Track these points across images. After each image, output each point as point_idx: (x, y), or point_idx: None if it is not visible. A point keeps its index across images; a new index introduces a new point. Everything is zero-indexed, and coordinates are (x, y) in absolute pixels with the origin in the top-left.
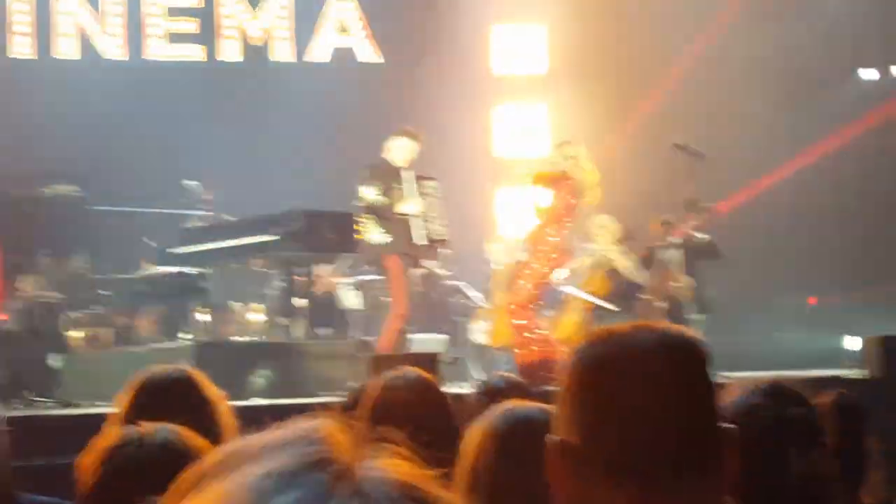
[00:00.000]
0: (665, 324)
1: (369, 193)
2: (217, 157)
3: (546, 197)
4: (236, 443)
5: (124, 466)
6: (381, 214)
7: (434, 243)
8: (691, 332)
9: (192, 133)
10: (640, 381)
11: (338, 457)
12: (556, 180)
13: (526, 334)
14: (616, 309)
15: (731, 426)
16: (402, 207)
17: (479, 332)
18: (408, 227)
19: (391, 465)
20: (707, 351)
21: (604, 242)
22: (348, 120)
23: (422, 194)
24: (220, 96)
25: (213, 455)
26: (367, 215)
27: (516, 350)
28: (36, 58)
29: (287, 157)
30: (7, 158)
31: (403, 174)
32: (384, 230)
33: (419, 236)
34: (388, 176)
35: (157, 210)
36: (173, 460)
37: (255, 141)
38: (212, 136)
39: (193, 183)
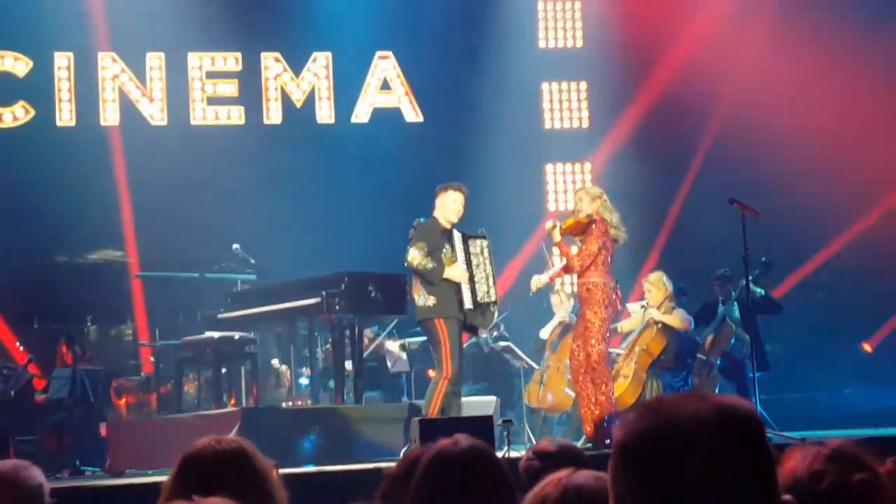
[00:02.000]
0: (718, 394)
1: (417, 257)
2: (263, 220)
3: (583, 244)
4: None
5: None
6: (429, 278)
7: (483, 306)
8: (745, 401)
9: (238, 196)
10: (693, 457)
11: None
12: (587, 225)
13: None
14: (673, 367)
15: (789, 498)
16: (448, 273)
17: (531, 392)
18: (457, 289)
19: None
20: (762, 421)
21: (656, 299)
22: (395, 180)
23: (472, 254)
24: (265, 159)
25: None
26: (416, 277)
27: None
28: (75, 124)
29: (333, 220)
30: (53, 224)
31: (454, 234)
32: (432, 293)
33: (468, 300)
34: (436, 237)
35: (204, 274)
36: None
37: (301, 204)
38: (257, 198)
39: (239, 247)
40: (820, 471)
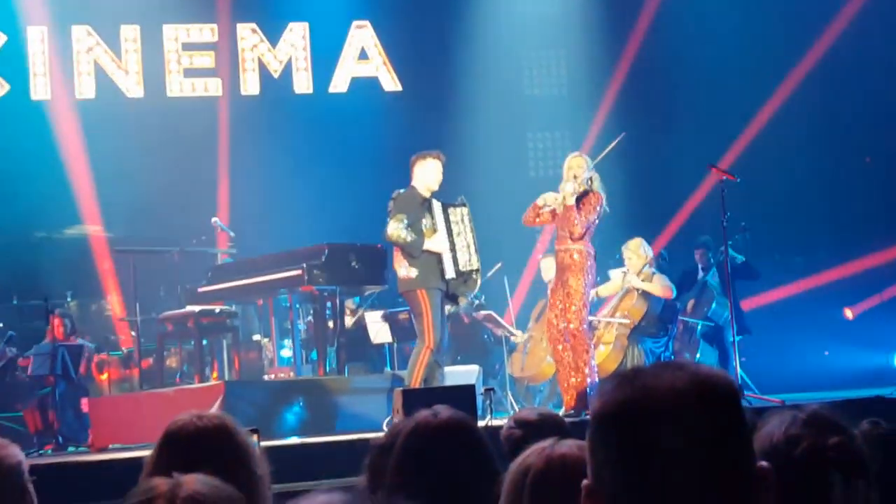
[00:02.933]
0: (694, 364)
1: (397, 230)
2: (242, 193)
3: (581, 212)
4: None
5: None
6: (410, 251)
7: (465, 274)
8: (721, 371)
9: (217, 169)
10: (668, 425)
11: None
12: (582, 197)
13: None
14: (654, 333)
15: (765, 464)
16: (429, 244)
17: (514, 362)
18: (438, 260)
19: None
20: (738, 390)
21: (635, 266)
22: (372, 151)
23: (452, 223)
24: (243, 131)
25: None
26: (397, 250)
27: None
28: (50, 98)
29: (312, 191)
30: (31, 200)
31: (433, 204)
32: (414, 265)
33: (450, 269)
34: (415, 208)
35: (184, 248)
36: None
37: (280, 175)
38: (235, 171)
39: (218, 220)
40: (796, 435)
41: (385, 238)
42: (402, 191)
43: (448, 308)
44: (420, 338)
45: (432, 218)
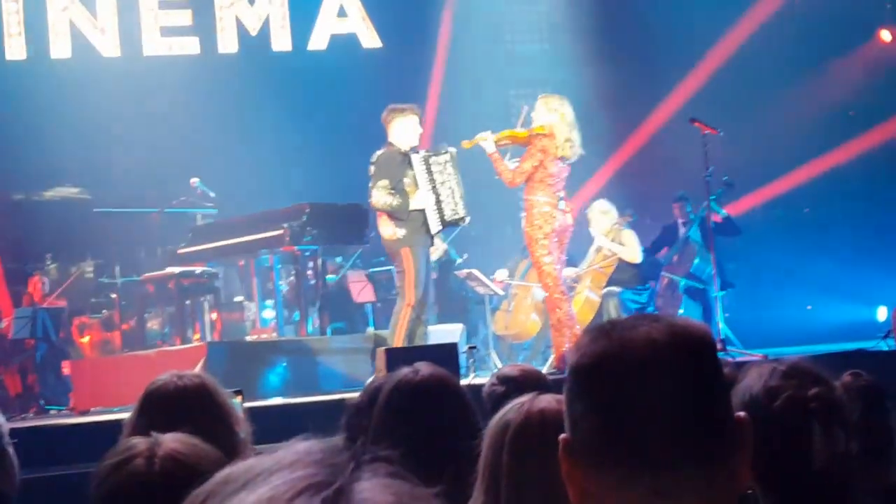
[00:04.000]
0: (670, 316)
1: (381, 197)
2: (222, 153)
3: (528, 157)
4: (230, 469)
5: (132, 481)
6: (398, 215)
7: (451, 223)
8: (697, 322)
9: (195, 129)
10: (644, 377)
11: (331, 480)
12: (527, 138)
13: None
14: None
15: (744, 415)
16: (414, 204)
17: (498, 320)
18: (423, 216)
19: (386, 485)
20: (715, 341)
21: (603, 228)
22: (353, 109)
23: (435, 172)
24: (221, 90)
25: (207, 484)
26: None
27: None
28: (25, 58)
29: (292, 150)
30: (7, 161)
31: (413, 159)
32: (401, 225)
33: (435, 224)
34: (396, 167)
35: (163, 210)
36: (184, 475)
37: (258, 135)
38: (214, 131)
39: (199, 181)
40: (776, 387)
41: (371, 207)
42: (380, 152)
43: (437, 256)
44: (401, 295)
45: (414, 175)
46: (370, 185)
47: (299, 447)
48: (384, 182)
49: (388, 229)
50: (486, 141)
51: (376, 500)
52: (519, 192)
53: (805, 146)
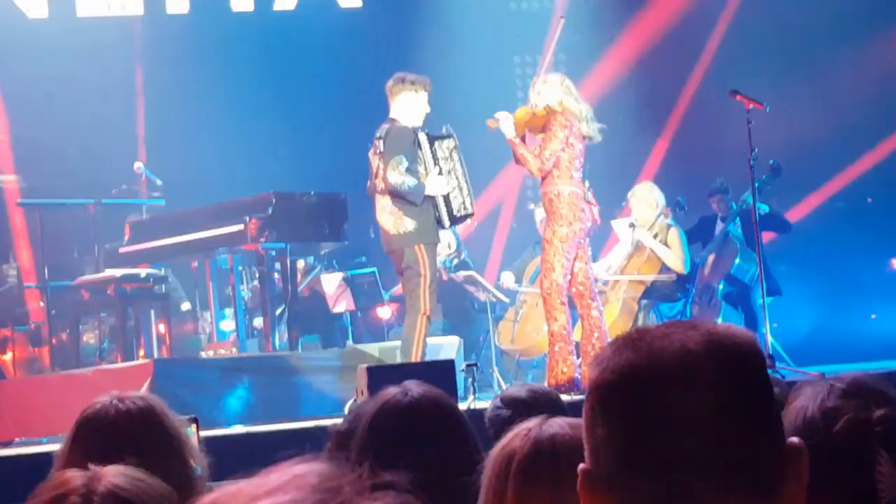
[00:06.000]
0: (709, 322)
1: (400, 176)
2: (171, 132)
3: (542, 143)
4: (216, 494)
5: None
6: (414, 199)
7: (460, 220)
8: (742, 329)
9: (139, 105)
10: (679, 394)
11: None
12: (547, 117)
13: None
14: (669, 294)
15: (797, 441)
16: (430, 189)
17: (503, 332)
18: (434, 207)
19: None
20: (762, 352)
21: (645, 218)
22: (328, 80)
23: (440, 160)
24: (171, 59)
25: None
26: (381, 199)
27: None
28: None
29: (256, 130)
30: None
31: (421, 139)
32: (411, 215)
33: (446, 218)
34: (408, 146)
35: (101, 200)
36: None
37: (215, 112)
38: (162, 107)
39: (143, 165)
40: (834, 408)
41: (389, 187)
42: (387, 126)
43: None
44: (413, 304)
45: (423, 156)
46: (376, 164)
47: (294, 469)
48: (400, 158)
49: (393, 221)
50: (506, 123)
51: None
52: (527, 179)
53: (869, 123)
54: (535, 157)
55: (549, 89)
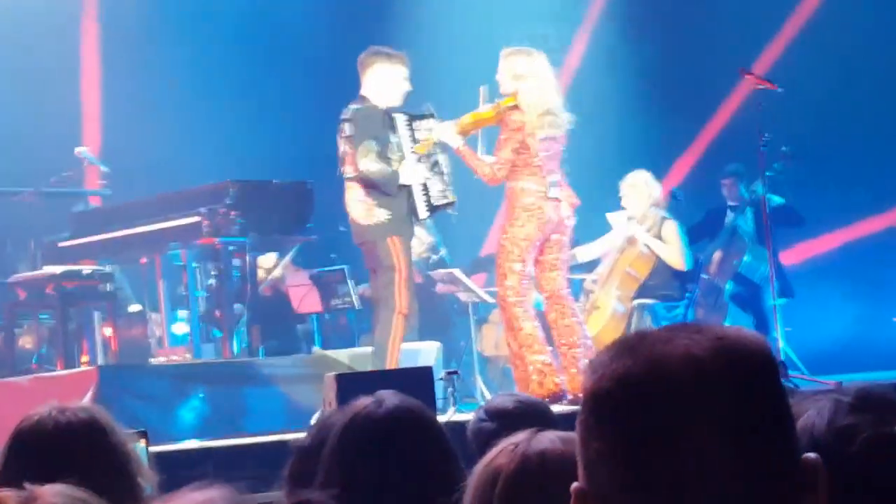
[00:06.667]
0: (717, 326)
1: (371, 163)
2: (117, 113)
3: (504, 142)
4: None
5: None
6: (387, 188)
7: (438, 209)
8: (752, 333)
9: (81, 79)
10: (682, 405)
11: None
12: (497, 117)
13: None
14: (667, 294)
15: (813, 456)
16: (405, 177)
17: (486, 337)
18: (409, 197)
19: None
20: (775, 358)
21: (637, 208)
22: (296, 56)
23: (419, 142)
24: (119, 33)
25: None
26: (350, 187)
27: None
28: None
29: (212, 111)
30: None
31: (397, 120)
32: (384, 205)
33: (422, 208)
34: (379, 128)
35: (39, 189)
36: None
37: (166, 90)
38: (107, 84)
39: (86, 150)
40: (848, 426)
41: (360, 174)
42: (354, 106)
43: (420, 251)
44: (385, 303)
45: (398, 139)
46: (342, 148)
47: (195, 497)
48: (370, 144)
49: (364, 211)
50: (447, 134)
51: None
52: None
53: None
54: (487, 165)
55: (509, 79)
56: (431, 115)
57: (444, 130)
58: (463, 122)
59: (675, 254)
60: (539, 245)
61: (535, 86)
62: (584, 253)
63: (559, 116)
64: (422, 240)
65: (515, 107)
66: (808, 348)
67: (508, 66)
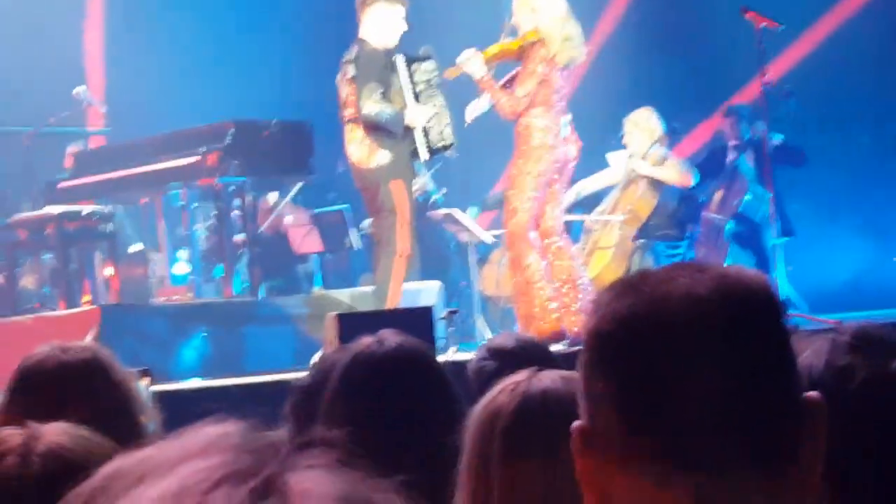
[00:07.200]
0: (718, 265)
1: (375, 105)
2: (116, 52)
3: (516, 80)
4: (121, 461)
5: (3, 486)
6: (392, 128)
7: (437, 152)
8: (754, 272)
9: (80, 20)
10: (685, 343)
11: (258, 468)
12: (520, 50)
13: (529, 279)
14: (669, 233)
15: (815, 395)
16: (407, 117)
17: (487, 277)
18: (411, 139)
19: (329, 474)
20: (777, 296)
21: (641, 146)
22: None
23: (417, 84)
24: None
25: (91, 479)
26: (352, 128)
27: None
28: None
29: (211, 51)
30: None
31: (398, 62)
32: (386, 146)
33: (423, 150)
34: (380, 70)
35: (38, 129)
36: (70, 476)
37: (165, 29)
38: (107, 23)
39: (85, 89)
40: (847, 365)
41: (361, 119)
42: (357, 48)
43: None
44: (387, 244)
45: (400, 82)
46: (344, 92)
47: (211, 431)
48: (373, 86)
49: (365, 154)
50: (473, 62)
51: (319, 491)
52: None
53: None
54: (510, 97)
55: (528, 13)
56: (429, 58)
57: (471, 59)
58: (487, 53)
59: (677, 171)
60: (548, 182)
61: (555, 15)
62: (587, 186)
63: (578, 45)
64: (417, 181)
65: (539, 41)
66: (810, 287)
67: (524, 2)
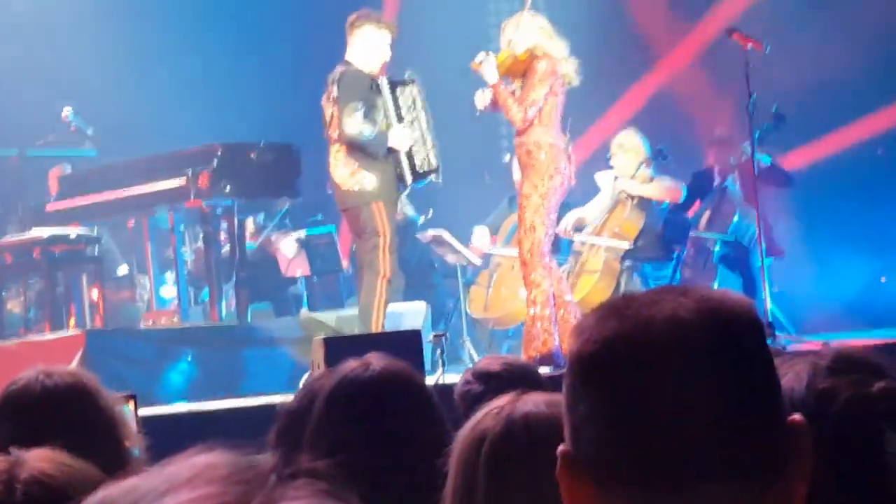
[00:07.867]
0: (706, 288)
1: (358, 126)
2: (104, 74)
3: (524, 90)
4: (106, 491)
5: None
6: (374, 150)
7: (422, 177)
8: (738, 295)
9: (68, 42)
10: (668, 367)
11: (244, 500)
12: (529, 62)
13: (533, 297)
14: (656, 255)
15: (798, 417)
16: (393, 141)
17: (475, 299)
18: (396, 162)
19: None
20: (761, 320)
21: (628, 167)
22: (284, 20)
23: (403, 108)
24: None
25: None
26: (336, 151)
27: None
28: None
29: (199, 73)
30: None
31: (381, 84)
32: (371, 169)
33: (408, 173)
34: (366, 92)
35: (25, 152)
36: (50, 501)
37: (154, 52)
38: (94, 45)
39: (72, 111)
40: (828, 388)
41: (346, 138)
42: (342, 69)
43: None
44: (370, 267)
45: (384, 104)
46: (329, 111)
47: (198, 460)
48: (356, 105)
49: (349, 176)
50: (487, 66)
51: None
52: (502, 126)
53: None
54: (518, 105)
55: (523, 33)
56: (413, 82)
57: (485, 62)
58: (500, 59)
59: (666, 188)
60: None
61: (550, 34)
62: (590, 213)
63: (572, 61)
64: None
65: (546, 54)
66: (799, 307)
67: (524, 25)
